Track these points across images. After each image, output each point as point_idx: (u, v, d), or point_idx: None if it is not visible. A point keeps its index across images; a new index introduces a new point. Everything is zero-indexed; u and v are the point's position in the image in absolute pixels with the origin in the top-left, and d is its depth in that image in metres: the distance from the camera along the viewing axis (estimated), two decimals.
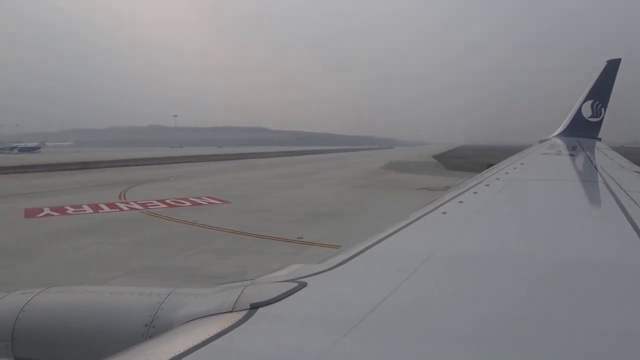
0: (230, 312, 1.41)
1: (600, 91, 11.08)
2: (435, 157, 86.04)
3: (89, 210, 20.44)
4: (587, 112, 11.22)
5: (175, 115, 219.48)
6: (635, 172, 5.83)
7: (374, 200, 23.63)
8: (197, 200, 23.55)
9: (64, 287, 2.04)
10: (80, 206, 21.36)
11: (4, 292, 2.05)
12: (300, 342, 1.20)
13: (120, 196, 25.75)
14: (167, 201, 23.12)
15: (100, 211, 20.19)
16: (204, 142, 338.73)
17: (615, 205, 2.96)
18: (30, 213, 19.47)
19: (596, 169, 5.48)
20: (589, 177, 5.01)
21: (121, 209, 20.77)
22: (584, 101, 11.26)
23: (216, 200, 23.76)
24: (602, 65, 11.54)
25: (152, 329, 1.66)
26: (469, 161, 61.71)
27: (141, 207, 21.19)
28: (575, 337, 1.18)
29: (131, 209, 20.91)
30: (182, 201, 23.26)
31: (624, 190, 3.60)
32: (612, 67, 11.11)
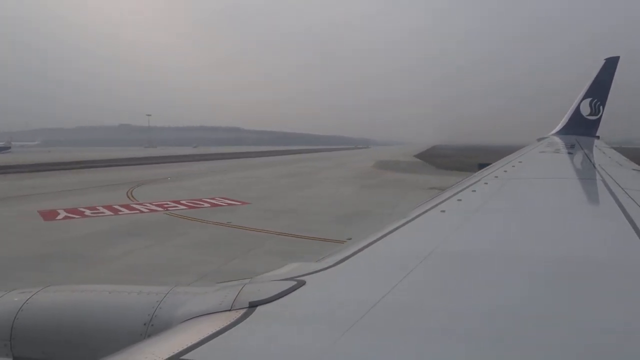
0: (229, 310, 1.41)
1: (599, 89, 11.09)
2: (417, 156, 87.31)
3: (108, 212, 19.52)
4: (585, 110, 11.21)
5: (149, 115, 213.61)
6: (634, 170, 5.87)
7: (392, 199, 23.49)
8: (214, 202, 22.88)
9: (62, 286, 2.02)
10: (95, 208, 20.40)
11: (3, 291, 2.02)
12: (298, 341, 1.21)
13: (128, 197, 24.77)
14: (183, 202, 22.38)
15: (120, 213, 19.32)
16: (178, 142, 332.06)
17: (614, 203, 2.96)
18: (48, 216, 18.43)
19: (594, 167, 5.49)
20: (588, 175, 5.03)
21: (141, 211, 19.92)
22: (583, 99, 11.23)
23: (234, 201, 23.10)
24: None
25: (151, 327, 1.66)
26: (453, 160, 63.18)
27: (160, 209, 20.41)
28: (573, 334, 1.19)
29: (151, 210, 20.10)
30: (198, 202, 22.53)
31: (622, 188, 3.61)
32: (611, 65, 11.14)
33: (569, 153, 7.43)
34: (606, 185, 3.85)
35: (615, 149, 9.07)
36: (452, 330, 1.23)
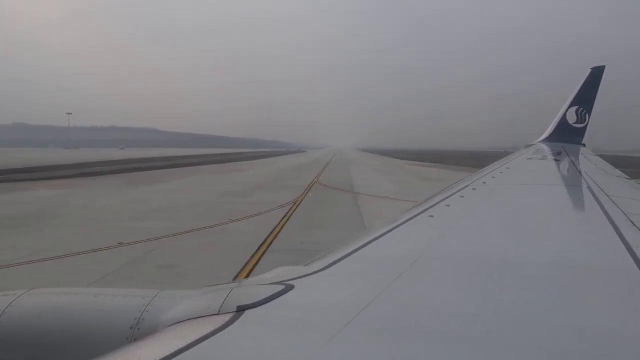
0: (217, 314, 1.39)
1: (585, 98, 11.16)
2: (398, 158, 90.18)
3: None
4: (572, 118, 11.20)
5: (69, 113, 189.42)
6: (618, 177, 5.99)
7: None
8: None
9: (46, 289, 1.95)
10: None
11: None
12: (286, 345, 1.19)
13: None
14: None
15: None
16: (93, 143, 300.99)
17: (599, 209, 3.06)
18: None
19: (580, 174, 5.53)
20: (574, 181, 5.13)
21: None
22: (569, 107, 11.22)
23: None
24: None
25: (138, 332, 1.62)
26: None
27: None
28: (557, 338, 1.20)
29: None
30: None
31: (607, 195, 3.74)
32: (596, 74, 11.24)
33: (556, 160, 7.39)
34: (592, 191, 3.93)
35: (600, 156, 9.08)
36: (441, 334, 1.23)
